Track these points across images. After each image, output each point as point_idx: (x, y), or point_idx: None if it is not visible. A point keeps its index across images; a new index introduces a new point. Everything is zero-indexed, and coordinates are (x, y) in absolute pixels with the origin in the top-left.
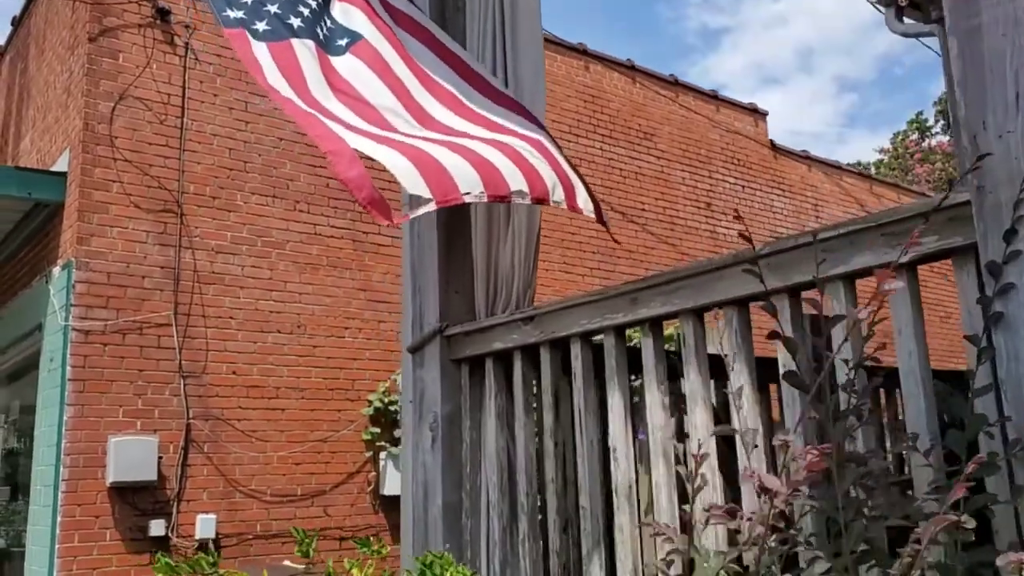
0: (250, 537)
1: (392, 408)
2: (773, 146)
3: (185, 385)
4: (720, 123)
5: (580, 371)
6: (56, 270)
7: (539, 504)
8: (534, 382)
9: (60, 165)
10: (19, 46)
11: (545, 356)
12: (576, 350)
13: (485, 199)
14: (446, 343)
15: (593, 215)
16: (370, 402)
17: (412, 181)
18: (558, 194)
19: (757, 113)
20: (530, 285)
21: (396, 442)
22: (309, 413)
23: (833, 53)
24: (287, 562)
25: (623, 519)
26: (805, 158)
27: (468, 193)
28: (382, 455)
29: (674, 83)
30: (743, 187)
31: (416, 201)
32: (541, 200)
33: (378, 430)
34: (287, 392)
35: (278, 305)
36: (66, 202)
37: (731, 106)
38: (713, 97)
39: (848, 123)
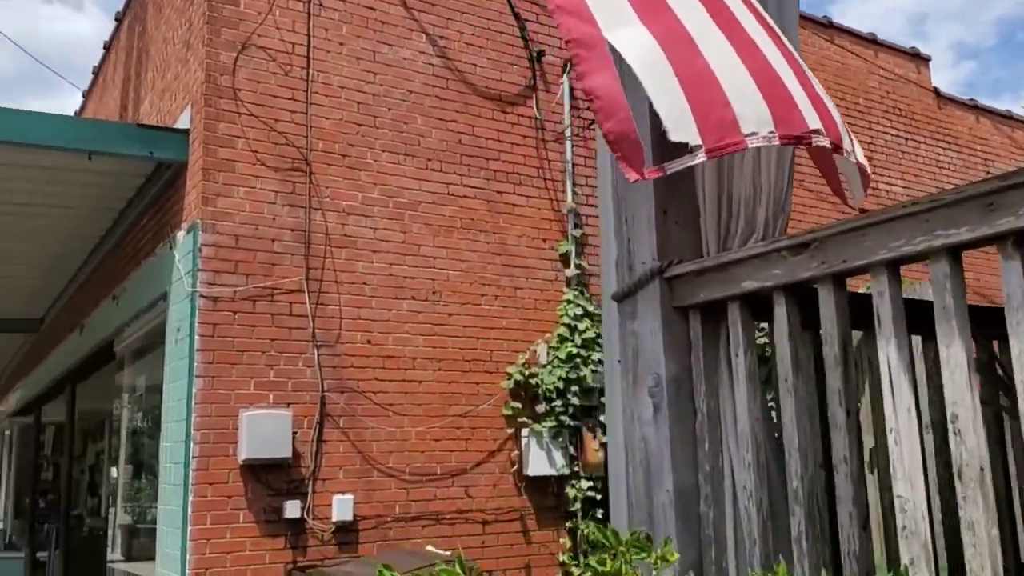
0: (388, 520)
1: (532, 381)
2: (937, 94)
3: (319, 355)
4: (879, 69)
5: (888, 313)
6: (181, 234)
7: (819, 491)
8: (799, 331)
9: (182, 123)
10: (136, 9)
11: (827, 295)
12: (881, 284)
13: (776, 141)
14: (667, 287)
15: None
16: (509, 375)
17: (678, 121)
18: (848, 144)
19: (919, 59)
20: (783, 210)
21: (538, 418)
22: (446, 386)
23: (947, 20)
24: (430, 547)
25: (975, 513)
26: (973, 107)
27: (753, 134)
28: (524, 432)
29: (828, 25)
30: (906, 140)
31: (677, 150)
32: (836, 147)
33: (519, 405)
34: (423, 363)
35: (412, 270)
36: (189, 161)
37: (890, 51)
38: (871, 41)
39: (968, 91)
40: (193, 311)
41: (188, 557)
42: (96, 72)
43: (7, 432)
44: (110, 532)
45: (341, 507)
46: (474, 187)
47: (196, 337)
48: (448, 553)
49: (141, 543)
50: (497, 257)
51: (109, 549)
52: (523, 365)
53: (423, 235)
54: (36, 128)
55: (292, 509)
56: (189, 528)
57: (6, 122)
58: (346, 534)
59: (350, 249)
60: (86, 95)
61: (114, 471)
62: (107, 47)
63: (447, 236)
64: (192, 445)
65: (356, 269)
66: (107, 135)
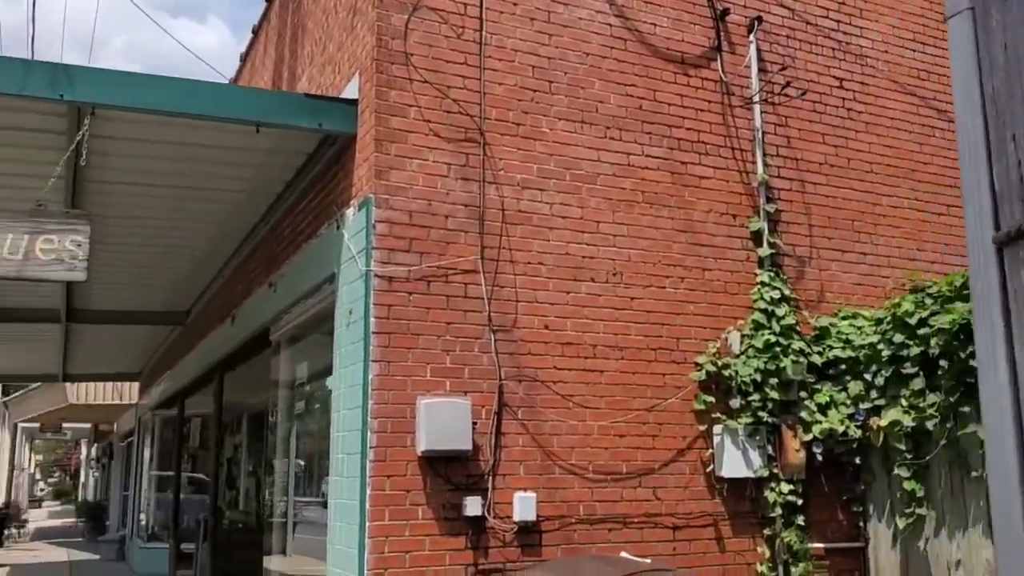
0: (572, 521)
1: (725, 373)
2: None
3: (495, 341)
4: None
5: None
6: (350, 212)
7: None
8: None
9: (348, 94)
10: None
11: None
12: None
13: None
14: None
15: None
16: (699, 365)
17: None
18: None
19: None
20: None
21: (732, 413)
22: (630, 376)
23: None
24: (624, 553)
25: None
26: None
27: None
28: (716, 429)
29: None
30: None
31: None
32: None
33: (711, 399)
34: (604, 351)
35: (591, 249)
36: (358, 133)
37: None
38: None
39: None
40: (367, 292)
41: (366, 556)
42: (244, 57)
43: (150, 425)
44: (272, 525)
45: (523, 506)
46: (656, 157)
47: (371, 319)
48: (647, 561)
49: (303, 538)
50: (682, 235)
51: (271, 543)
52: (714, 355)
53: (602, 210)
54: (202, 97)
55: (472, 506)
56: (367, 524)
57: (171, 92)
58: (529, 535)
59: (525, 226)
60: (233, 82)
61: (274, 463)
62: (255, 30)
63: (628, 211)
64: (369, 434)
65: (532, 248)
66: (275, 105)
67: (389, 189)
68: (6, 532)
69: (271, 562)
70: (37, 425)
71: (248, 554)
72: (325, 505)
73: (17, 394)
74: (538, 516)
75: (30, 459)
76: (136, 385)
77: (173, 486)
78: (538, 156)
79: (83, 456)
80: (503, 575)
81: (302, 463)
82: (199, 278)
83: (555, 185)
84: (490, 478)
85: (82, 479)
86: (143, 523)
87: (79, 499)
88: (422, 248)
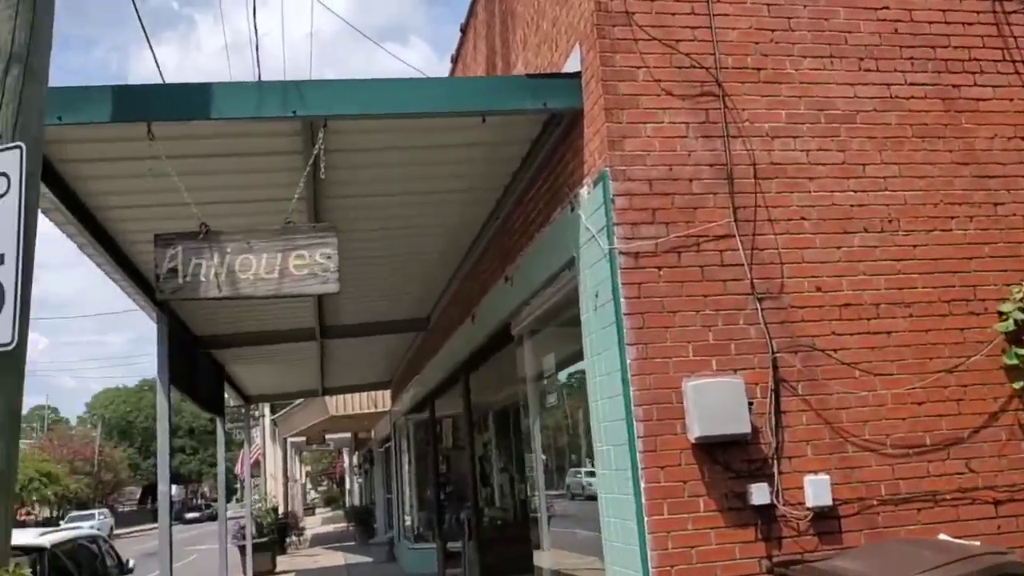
0: (874, 503)
1: None
2: None
3: (762, 310)
4: None
5: None
6: (584, 190)
7: None
8: None
9: (570, 67)
10: None
11: None
12: None
13: None
14: None
15: None
16: (1004, 314)
17: None
18: None
19: None
20: None
21: None
22: (922, 335)
23: None
24: (943, 535)
25: None
26: None
27: None
28: None
29: None
30: None
31: None
32: None
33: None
34: (889, 309)
35: (859, 196)
36: (585, 106)
37: None
38: None
39: None
40: (613, 271)
41: (649, 553)
42: (454, 58)
43: (404, 429)
44: (538, 522)
45: (816, 490)
46: (922, 84)
47: (621, 301)
48: (976, 544)
49: (558, 532)
50: (964, 168)
51: (539, 538)
52: (1021, 300)
53: (866, 151)
54: (428, 92)
55: (759, 494)
56: (646, 519)
57: (397, 91)
58: (825, 522)
59: (780, 179)
60: None
61: (527, 457)
62: (463, 28)
63: (896, 150)
64: (634, 423)
65: (791, 202)
66: (497, 89)
67: (624, 159)
68: (288, 540)
69: (541, 558)
70: (303, 439)
71: (511, 550)
72: (573, 498)
73: (283, 412)
74: (834, 500)
75: (300, 470)
76: (388, 393)
77: (432, 487)
78: (786, 100)
79: (346, 464)
80: (803, 567)
81: (549, 457)
82: (436, 283)
83: (809, 130)
84: (775, 462)
85: (347, 486)
86: (408, 524)
87: (346, 505)
88: (667, 218)
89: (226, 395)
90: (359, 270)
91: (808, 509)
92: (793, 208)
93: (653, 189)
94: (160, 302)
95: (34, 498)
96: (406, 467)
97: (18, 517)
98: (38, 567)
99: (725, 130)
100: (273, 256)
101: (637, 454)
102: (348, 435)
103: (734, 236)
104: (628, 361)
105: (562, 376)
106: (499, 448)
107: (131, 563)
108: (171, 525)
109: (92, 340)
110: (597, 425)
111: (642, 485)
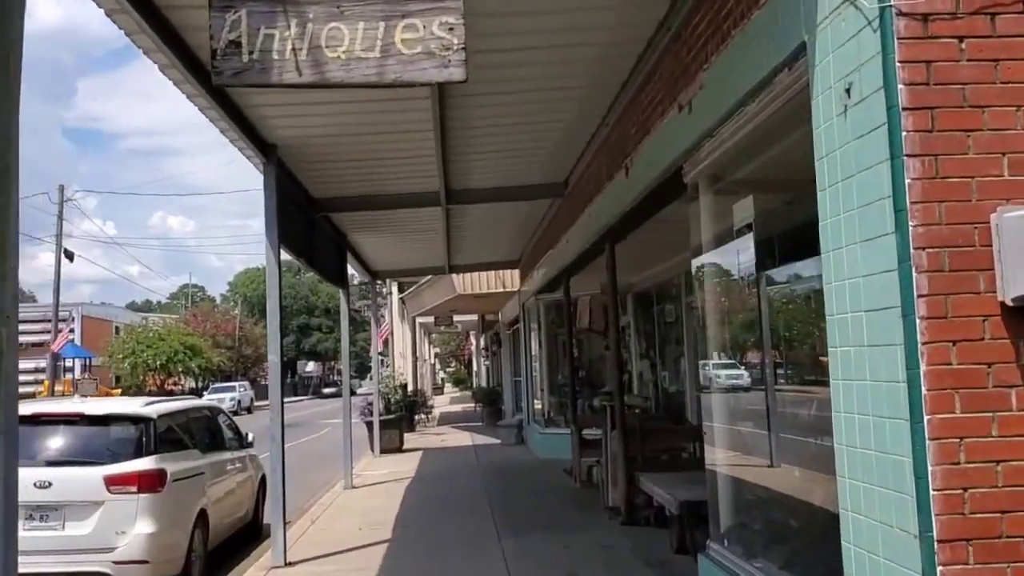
0: None
1: None
2: None
3: None
4: None
5: None
6: None
7: None
8: None
9: None
10: None
11: None
12: None
13: None
14: None
15: None
16: None
17: None
18: None
19: None
20: None
21: None
22: None
23: None
24: None
25: None
26: None
27: None
28: None
29: None
30: None
31: None
32: None
33: None
34: None
35: None
36: None
37: None
38: None
39: None
40: (886, 45)
41: (930, 469)
42: None
43: (534, 311)
44: (704, 419)
45: None
46: None
47: (898, 89)
48: None
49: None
50: None
51: (709, 441)
52: None
53: None
54: None
55: None
56: (926, 419)
57: None
58: None
59: None
60: None
61: (685, 344)
62: None
63: None
64: (914, 276)
65: None
66: None
67: None
68: (416, 417)
69: (714, 455)
70: (431, 319)
71: (660, 442)
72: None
73: (411, 290)
74: None
75: (429, 351)
76: (515, 273)
77: (564, 371)
78: None
79: (473, 347)
80: None
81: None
82: (577, 138)
83: None
84: None
85: (474, 367)
86: (538, 408)
87: (474, 386)
88: None
89: (352, 271)
90: (492, 120)
91: None
92: None
93: None
94: (219, 89)
95: (180, 369)
96: (535, 350)
97: (165, 387)
98: (143, 437)
99: None
100: (373, 26)
101: (917, 321)
102: (475, 317)
103: None
104: (905, 182)
105: (760, 233)
106: (639, 332)
107: (251, 437)
108: (282, 394)
109: (236, 224)
110: (834, 284)
111: (922, 368)
